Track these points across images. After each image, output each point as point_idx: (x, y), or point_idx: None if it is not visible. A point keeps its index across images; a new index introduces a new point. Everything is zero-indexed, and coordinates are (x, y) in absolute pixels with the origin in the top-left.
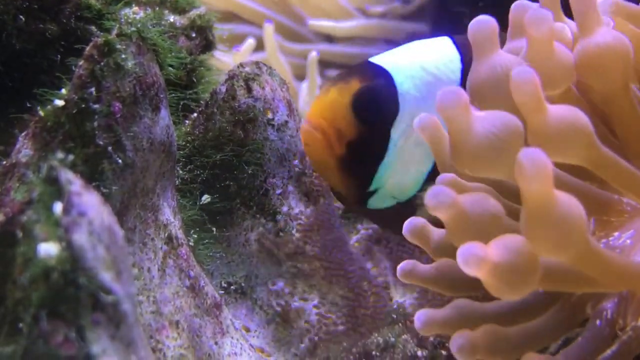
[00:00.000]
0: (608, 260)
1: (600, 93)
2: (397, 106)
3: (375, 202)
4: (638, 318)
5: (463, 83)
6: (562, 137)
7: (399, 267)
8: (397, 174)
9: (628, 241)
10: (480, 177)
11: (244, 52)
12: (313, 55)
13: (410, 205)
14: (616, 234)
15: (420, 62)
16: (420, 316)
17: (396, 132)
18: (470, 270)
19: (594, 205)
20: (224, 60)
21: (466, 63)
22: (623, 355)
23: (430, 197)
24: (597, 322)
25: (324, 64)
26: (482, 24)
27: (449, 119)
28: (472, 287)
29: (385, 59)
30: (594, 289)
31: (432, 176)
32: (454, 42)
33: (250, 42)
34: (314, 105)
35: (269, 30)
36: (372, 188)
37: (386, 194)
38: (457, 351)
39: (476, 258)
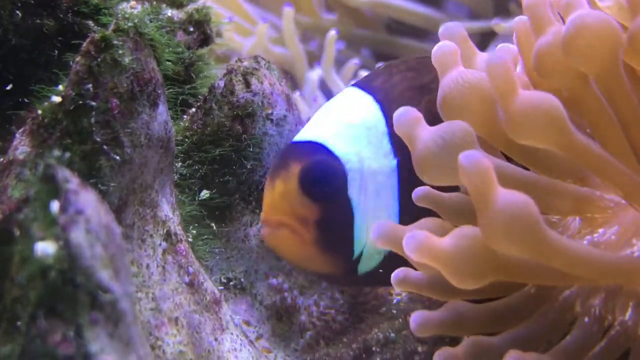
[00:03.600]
0: (571, 251)
1: (589, 74)
2: (343, 168)
3: (364, 266)
4: (626, 313)
5: (388, 120)
6: (533, 120)
7: (393, 275)
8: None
9: (613, 237)
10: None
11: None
12: (332, 33)
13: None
14: (601, 230)
15: (342, 119)
16: (416, 318)
17: (354, 192)
18: (421, 258)
19: (576, 203)
20: (240, 41)
21: (380, 101)
22: (612, 351)
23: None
24: (586, 319)
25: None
26: (444, 47)
27: (404, 135)
28: (464, 292)
29: (307, 134)
30: (566, 281)
31: (403, 212)
32: (360, 88)
33: (265, 25)
34: (265, 204)
35: (289, 14)
36: (356, 254)
37: (371, 253)
38: None
39: (424, 246)
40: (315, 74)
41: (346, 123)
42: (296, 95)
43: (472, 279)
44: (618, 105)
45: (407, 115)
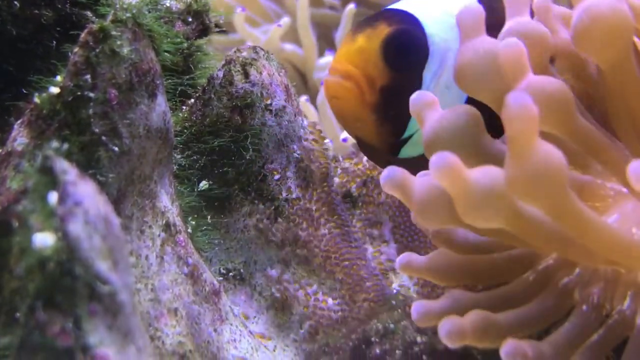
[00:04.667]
0: (587, 219)
1: (601, 64)
2: (427, 49)
3: (408, 151)
4: (624, 302)
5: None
6: (542, 103)
7: (397, 260)
8: None
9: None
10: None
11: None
12: (351, 7)
13: None
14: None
15: (442, 6)
16: (417, 307)
17: (428, 75)
18: (439, 176)
19: (576, 190)
20: (252, 32)
21: (484, 3)
22: (609, 340)
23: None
24: (584, 307)
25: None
26: (470, 11)
27: (418, 117)
28: (466, 277)
29: (407, 5)
30: (566, 250)
31: None
32: None
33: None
34: (339, 53)
35: (304, 3)
36: (406, 135)
37: (419, 141)
38: (446, 336)
39: (449, 166)
40: (329, 59)
41: (445, 10)
42: (302, 99)
43: (483, 216)
44: (628, 95)
45: (423, 96)
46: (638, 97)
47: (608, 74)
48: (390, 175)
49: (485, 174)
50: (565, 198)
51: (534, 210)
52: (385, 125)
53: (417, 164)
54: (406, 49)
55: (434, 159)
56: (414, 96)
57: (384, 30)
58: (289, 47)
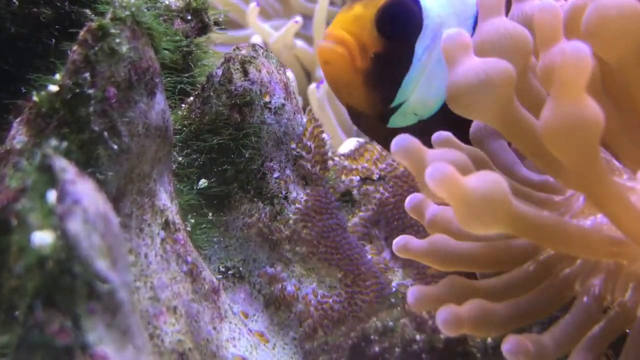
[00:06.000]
0: (610, 182)
1: (612, 62)
2: (422, 21)
3: (397, 120)
4: (625, 294)
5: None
6: (567, 69)
7: (394, 242)
8: (420, 89)
9: None
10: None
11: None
12: None
13: (431, 124)
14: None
15: None
16: (413, 292)
17: (420, 47)
18: (437, 187)
19: None
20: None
21: None
22: (610, 332)
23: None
24: (585, 299)
25: None
26: None
27: (448, 57)
28: (464, 262)
29: None
30: (567, 249)
31: None
32: None
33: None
34: (335, 20)
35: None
36: (395, 103)
37: (409, 110)
38: (443, 325)
39: (445, 177)
40: None
41: None
42: (311, 87)
43: (483, 224)
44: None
45: (459, 37)
46: None
47: (618, 72)
48: (402, 143)
49: (481, 180)
50: (595, 155)
51: (532, 213)
52: (375, 92)
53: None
54: (400, 19)
55: (429, 171)
56: (447, 34)
57: (380, 0)
58: (300, 43)
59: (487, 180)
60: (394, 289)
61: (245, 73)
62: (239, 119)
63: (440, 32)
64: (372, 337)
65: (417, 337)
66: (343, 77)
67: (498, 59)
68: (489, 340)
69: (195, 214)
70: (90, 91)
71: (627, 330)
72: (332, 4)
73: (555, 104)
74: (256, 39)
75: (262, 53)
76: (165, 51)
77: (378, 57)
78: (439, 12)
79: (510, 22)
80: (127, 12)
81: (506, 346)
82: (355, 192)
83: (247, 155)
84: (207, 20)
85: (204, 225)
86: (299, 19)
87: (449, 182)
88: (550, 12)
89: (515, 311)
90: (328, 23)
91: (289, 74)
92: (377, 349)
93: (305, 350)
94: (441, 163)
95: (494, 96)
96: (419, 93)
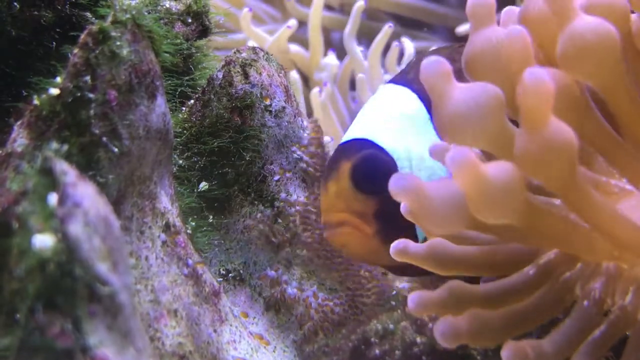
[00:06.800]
0: (594, 198)
1: (595, 87)
2: (391, 158)
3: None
4: (626, 298)
5: (428, 107)
6: (528, 99)
7: (392, 245)
8: None
9: None
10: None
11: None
12: (360, 4)
13: None
14: None
15: (383, 116)
16: (414, 297)
17: None
18: (457, 171)
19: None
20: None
21: (417, 91)
22: (611, 336)
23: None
24: (585, 302)
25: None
26: (481, 1)
27: (430, 87)
28: (464, 267)
29: (352, 133)
30: (569, 244)
31: None
32: (395, 83)
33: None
34: (324, 208)
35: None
36: (421, 239)
37: None
38: (441, 338)
39: (467, 162)
40: (332, 59)
41: (388, 117)
42: (314, 91)
43: (497, 211)
44: (625, 114)
45: (439, 65)
46: (636, 115)
47: (604, 95)
48: (401, 183)
49: (499, 169)
50: (574, 175)
51: (544, 206)
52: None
53: None
54: (374, 171)
55: (451, 155)
56: (425, 64)
57: (346, 166)
58: (294, 47)
59: (506, 170)
60: (394, 292)
61: (246, 76)
62: (240, 122)
63: (411, 155)
64: (372, 339)
65: (418, 339)
66: (365, 249)
67: (484, 84)
68: None
69: (195, 216)
70: (91, 94)
71: (628, 334)
72: (328, 8)
73: (523, 136)
74: (251, 45)
75: (263, 56)
76: (166, 54)
77: (378, 214)
78: (399, 141)
79: (502, 32)
80: (128, 15)
81: (505, 352)
82: None
83: (247, 158)
84: (207, 23)
85: (205, 228)
86: (292, 23)
87: (470, 167)
88: (520, 41)
89: (515, 319)
90: (323, 27)
91: (293, 74)
92: (377, 351)
93: (305, 353)
94: (464, 149)
95: (486, 124)
96: None
